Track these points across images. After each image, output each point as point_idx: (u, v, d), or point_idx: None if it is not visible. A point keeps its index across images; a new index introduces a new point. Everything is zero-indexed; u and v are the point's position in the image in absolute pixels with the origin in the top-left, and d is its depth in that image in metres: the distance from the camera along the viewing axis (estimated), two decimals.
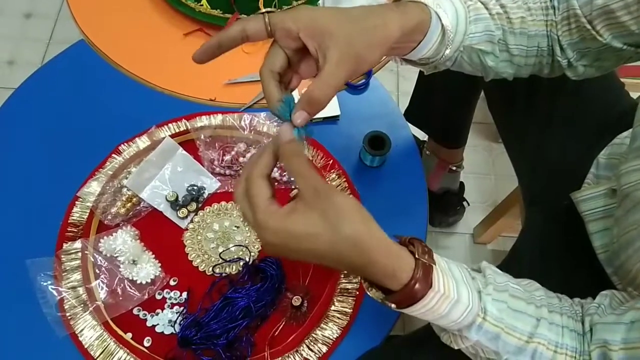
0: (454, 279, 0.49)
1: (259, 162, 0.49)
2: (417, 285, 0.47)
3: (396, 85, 1.56)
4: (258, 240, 0.54)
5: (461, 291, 0.49)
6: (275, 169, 0.70)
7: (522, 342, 0.49)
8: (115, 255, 0.73)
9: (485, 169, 1.46)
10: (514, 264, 0.80)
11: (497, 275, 0.53)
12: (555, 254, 0.75)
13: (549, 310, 0.52)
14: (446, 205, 1.32)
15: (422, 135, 1.30)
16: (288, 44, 0.50)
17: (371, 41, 0.50)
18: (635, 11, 0.54)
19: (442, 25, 0.55)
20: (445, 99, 1.09)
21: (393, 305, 0.49)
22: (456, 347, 0.53)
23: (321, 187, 0.46)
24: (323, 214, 0.45)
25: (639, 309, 0.48)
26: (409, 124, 1.14)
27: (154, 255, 0.74)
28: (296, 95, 0.56)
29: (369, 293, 0.51)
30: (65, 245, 0.73)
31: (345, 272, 0.72)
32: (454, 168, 1.25)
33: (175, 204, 0.78)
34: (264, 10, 0.52)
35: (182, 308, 0.71)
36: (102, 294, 0.71)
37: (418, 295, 0.47)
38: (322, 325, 0.69)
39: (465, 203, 1.34)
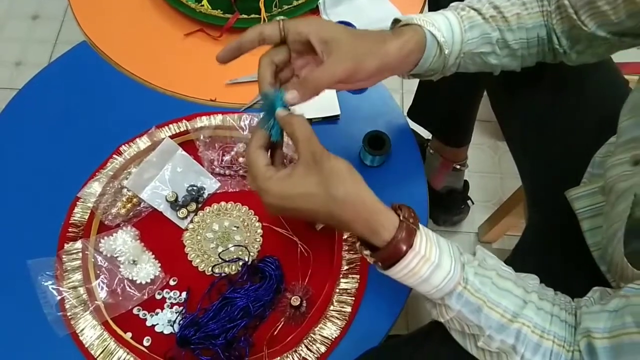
0: (439, 247, 0.52)
1: (253, 137, 0.56)
2: (399, 244, 0.50)
3: (400, 83, 1.55)
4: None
5: (443, 258, 0.51)
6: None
7: (506, 319, 0.50)
8: (115, 256, 0.73)
9: (490, 168, 1.45)
10: (516, 263, 0.79)
11: (488, 258, 0.55)
12: (556, 253, 0.74)
13: (540, 297, 0.52)
14: (450, 204, 1.31)
15: (426, 134, 1.29)
16: (297, 46, 0.57)
17: (370, 49, 0.57)
18: (613, 1, 0.57)
19: (438, 41, 0.60)
20: (448, 97, 1.08)
21: (379, 264, 0.53)
22: (442, 320, 0.55)
23: (318, 152, 0.52)
24: (319, 177, 0.51)
25: (622, 296, 0.48)
26: (413, 123, 1.14)
27: (153, 255, 0.75)
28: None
29: (358, 250, 0.55)
30: (66, 246, 0.74)
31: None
32: (458, 167, 1.24)
33: (175, 205, 0.78)
34: (279, 18, 0.65)
35: (181, 308, 0.71)
36: (102, 293, 0.71)
37: (400, 253, 0.50)
38: (320, 325, 0.69)
39: (469, 202, 1.33)
